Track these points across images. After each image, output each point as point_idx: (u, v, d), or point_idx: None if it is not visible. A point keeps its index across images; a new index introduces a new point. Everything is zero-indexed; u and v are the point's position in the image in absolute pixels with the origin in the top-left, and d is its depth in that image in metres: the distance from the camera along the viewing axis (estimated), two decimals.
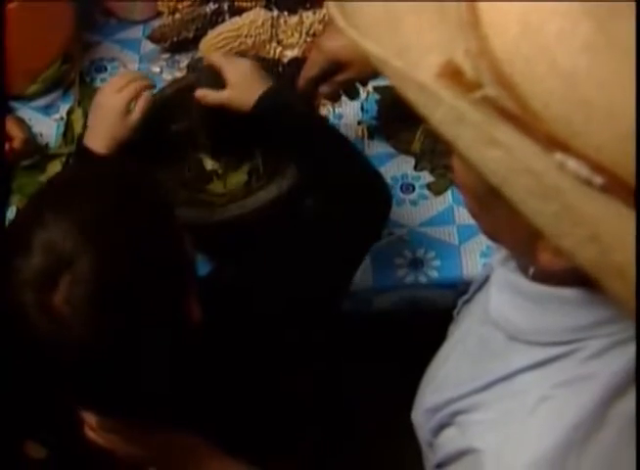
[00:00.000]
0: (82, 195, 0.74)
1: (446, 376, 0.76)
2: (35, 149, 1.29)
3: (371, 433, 1.13)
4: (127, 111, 1.03)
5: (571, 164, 0.42)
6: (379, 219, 1.00)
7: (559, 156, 0.42)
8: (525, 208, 0.43)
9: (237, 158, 1.14)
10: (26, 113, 1.37)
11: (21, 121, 1.31)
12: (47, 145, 1.32)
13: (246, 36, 1.34)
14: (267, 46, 1.36)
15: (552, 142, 0.43)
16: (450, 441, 0.69)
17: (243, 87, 1.00)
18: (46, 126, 1.35)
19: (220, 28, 1.36)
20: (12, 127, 1.25)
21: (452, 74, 0.44)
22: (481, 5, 0.47)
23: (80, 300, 0.67)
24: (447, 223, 1.19)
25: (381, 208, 0.98)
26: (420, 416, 0.75)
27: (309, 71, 1.10)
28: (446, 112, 0.43)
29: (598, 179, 0.42)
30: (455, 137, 0.43)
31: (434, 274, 1.14)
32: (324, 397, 0.98)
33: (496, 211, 0.53)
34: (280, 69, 1.30)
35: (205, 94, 1.04)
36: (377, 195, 0.98)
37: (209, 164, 1.15)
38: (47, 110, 1.38)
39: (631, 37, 0.42)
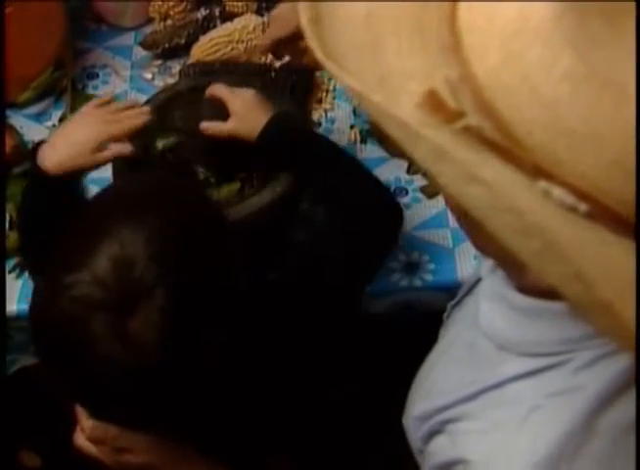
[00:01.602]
0: (154, 211, 0.73)
1: (435, 383, 0.75)
2: (27, 156, 1.29)
3: (362, 435, 1.13)
4: (100, 147, 0.98)
5: (556, 191, 0.42)
6: (393, 232, 1.02)
7: (543, 183, 0.42)
8: (508, 244, 0.42)
9: (230, 169, 1.14)
10: (19, 120, 1.36)
11: (11, 128, 1.31)
12: None
13: (237, 42, 1.34)
14: (258, 52, 1.36)
15: (536, 170, 0.42)
16: (441, 449, 0.69)
17: (247, 117, 1.01)
18: (38, 134, 1.34)
19: (212, 34, 1.36)
20: None
21: (433, 104, 0.43)
22: (462, 27, 0.46)
23: (154, 331, 0.66)
24: (441, 226, 1.19)
25: (393, 222, 1.01)
26: (410, 423, 0.75)
27: (276, 32, 1.13)
28: (427, 149, 0.42)
29: (583, 206, 0.42)
30: (437, 174, 0.42)
31: (429, 278, 1.14)
32: (320, 400, 0.99)
33: (482, 234, 0.53)
34: (272, 74, 1.30)
35: (209, 126, 1.04)
36: (388, 212, 1.00)
37: (202, 173, 1.15)
38: (39, 117, 1.38)
39: (612, 67, 0.42)
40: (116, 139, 0.99)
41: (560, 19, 0.43)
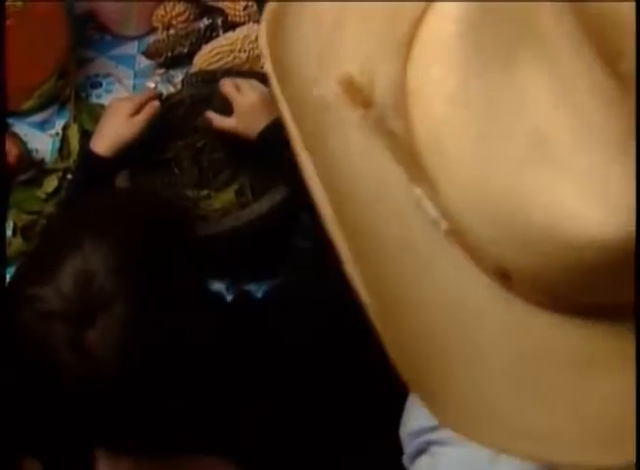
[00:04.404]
0: (120, 226, 0.73)
1: None
2: (31, 164, 1.30)
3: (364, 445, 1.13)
4: (134, 113, 1.08)
5: (426, 202, 0.44)
6: None
7: (419, 191, 0.44)
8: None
9: (222, 180, 1.15)
10: (22, 128, 1.37)
11: (15, 137, 1.32)
12: (43, 160, 1.33)
13: (239, 51, 1.35)
14: (261, 60, 1.36)
15: (417, 176, 0.44)
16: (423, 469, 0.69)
17: (248, 117, 1.04)
18: (42, 142, 1.36)
19: (214, 43, 1.37)
20: (6, 143, 1.25)
21: (349, 87, 0.45)
22: (420, 33, 0.47)
23: (112, 343, 0.66)
24: None
25: None
26: (404, 436, 0.75)
27: None
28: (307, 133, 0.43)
29: (444, 224, 0.44)
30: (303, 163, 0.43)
31: None
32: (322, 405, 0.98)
33: None
34: None
35: (214, 117, 1.09)
36: None
37: (195, 192, 1.16)
38: (43, 125, 1.39)
39: (489, 102, 0.42)
40: (144, 104, 1.10)
41: (459, 39, 0.43)
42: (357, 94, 0.45)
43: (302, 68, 0.46)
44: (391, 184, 0.43)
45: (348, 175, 0.44)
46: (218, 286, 1.15)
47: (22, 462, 0.93)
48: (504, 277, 0.43)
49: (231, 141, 1.09)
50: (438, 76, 0.44)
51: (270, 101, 1.04)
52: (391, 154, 0.44)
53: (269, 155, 1.02)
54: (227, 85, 1.09)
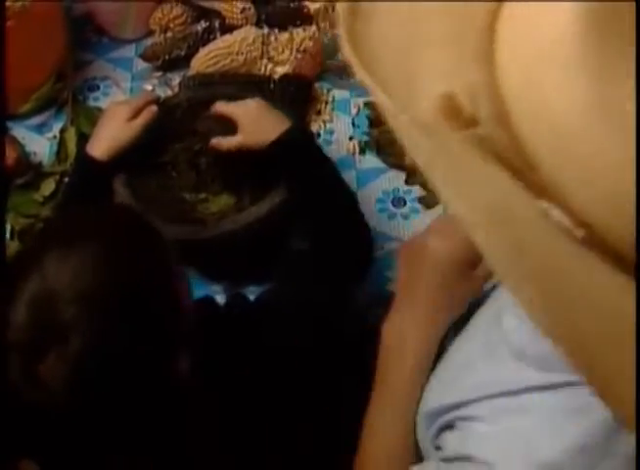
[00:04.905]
0: (90, 243, 0.69)
1: (451, 379, 0.75)
2: (29, 167, 1.30)
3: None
4: (132, 117, 1.08)
5: (556, 213, 0.42)
6: (358, 265, 1.02)
7: (544, 202, 0.42)
8: (496, 261, 0.43)
9: (219, 183, 1.15)
10: (20, 131, 1.37)
11: (13, 140, 1.32)
12: (40, 163, 1.33)
13: (237, 53, 1.35)
14: (258, 63, 1.37)
15: (539, 191, 0.42)
16: (450, 444, 0.69)
17: (255, 130, 1.04)
18: (39, 145, 1.36)
19: (211, 46, 1.37)
20: (4, 146, 1.25)
21: (450, 108, 0.43)
22: (499, 41, 0.46)
23: (66, 376, 0.63)
24: None
25: (361, 256, 1.02)
26: (421, 419, 0.75)
27: None
28: (424, 160, 0.43)
29: (579, 232, 0.42)
30: (434, 185, 0.42)
31: None
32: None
33: None
34: (271, 85, 1.31)
35: (219, 142, 1.08)
36: (360, 246, 1.01)
37: (193, 195, 1.16)
38: (40, 128, 1.38)
39: (626, 101, 0.41)
40: (142, 108, 1.10)
41: (581, 43, 0.42)
42: (460, 114, 0.44)
43: (394, 92, 0.45)
44: (516, 201, 0.42)
45: (476, 205, 0.43)
46: (216, 289, 1.15)
47: (19, 464, 0.92)
48: None
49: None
50: (560, 86, 0.42)
51: (268, 110, 1.05)
52: (507, 171, 0.43)
53: (282, 162, 1.02)
54: (222, 106, 1.09)
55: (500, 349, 0.67)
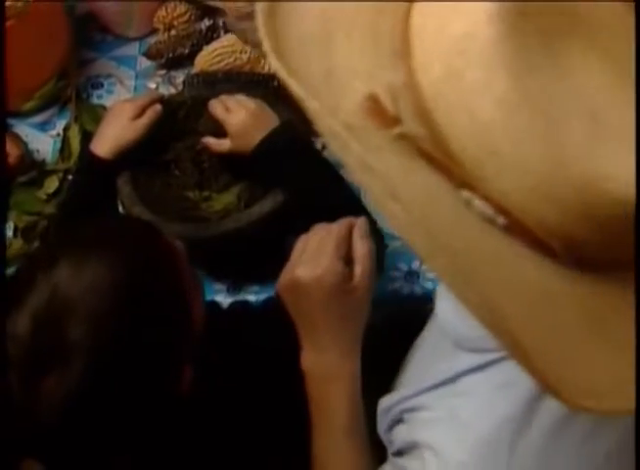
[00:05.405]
0: (94, 266, 0.65)
1: (401, 379, 0.79)
2: (32, 165, 1.30)
3: None
4: (136, 115, 1.08)
5: (477, 202, 0.44)
6: None
7: (466, 193, 0.44)
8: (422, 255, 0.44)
9: (223, 182, 1.15)
10: (23, 129, 1.37)
11: (16, 137, 1.32)
12: (44, 161, 1.33)
13: (240, 52, 1.35)
14: (262, 61, 1.36)
15: (462, 182, 0.44)
16: (399, 437, 0.72)
17: (241, 136, 1.05)
18: (43, 143, 1.36)
19: (215, 44, 1.37)
20: (7, 144, 1.25)
21: (372, 109, 0.44)
22: (414, 34, 0.47)
23: (67, 397, 0.62)
24: None
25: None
26: (379, 416, 0.77)
27: None
28: (355, 161, 0.43)
29: (501, 219, 0.44)
30: (366, 187, 0.43)
31: (430, 286, 1.15)
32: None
33: None
34: (274, 83, 1.31)
35: (210, 142, 1.10)
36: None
37: (196, 193, 1.16)
38: (44, 126, 1.38)
39: (546, 97, 0.43)
40: (146, 106, 1.10)
41: (501, 41, 0.43)
42: (384, 114, 0.44)
43: (314, 90, 0.45)
44: (441, 194, 0.44)
45: (406, 203, 0.43)
46: (219, 287, 1.15)
47: (23, 464, 0.92)
48: (570, 253, 0.44)
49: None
50: (480, 81, 0.43)
51: (259, 114, 1.06)
52: (429, 165, 0.44)
53: (264, 168, 1.03)
54: (216, 107, 1.09)
55: (442, 342, 0.71)
